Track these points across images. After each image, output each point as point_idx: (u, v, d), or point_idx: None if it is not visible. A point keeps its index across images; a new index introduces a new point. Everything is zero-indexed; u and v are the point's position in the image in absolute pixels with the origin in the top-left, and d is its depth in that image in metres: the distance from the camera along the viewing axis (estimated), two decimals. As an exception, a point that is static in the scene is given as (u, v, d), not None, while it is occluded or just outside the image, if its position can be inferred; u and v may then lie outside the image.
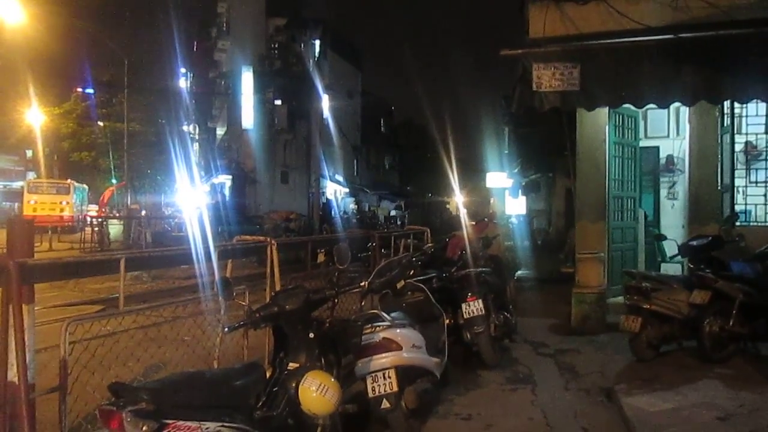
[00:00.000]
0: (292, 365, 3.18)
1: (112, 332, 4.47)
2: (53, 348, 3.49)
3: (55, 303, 9.18)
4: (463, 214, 9.43)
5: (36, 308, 3.31)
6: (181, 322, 4.84)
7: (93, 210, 33.99)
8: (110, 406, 2.35)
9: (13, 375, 3.09)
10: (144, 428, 2.35)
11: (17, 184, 53.86)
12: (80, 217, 29.63)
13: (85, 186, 35.33)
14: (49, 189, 30.94)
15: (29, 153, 50.89)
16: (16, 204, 46.22)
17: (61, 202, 30.23)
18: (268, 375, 3.17)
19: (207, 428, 2.55)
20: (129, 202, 30.97)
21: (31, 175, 53.29)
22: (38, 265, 3.27)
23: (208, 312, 4.65)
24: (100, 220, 23.92)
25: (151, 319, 5.80)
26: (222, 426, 2.62)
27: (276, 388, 3.06)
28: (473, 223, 8.90)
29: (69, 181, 32.67)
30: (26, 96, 35.63)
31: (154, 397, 2.40)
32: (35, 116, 38.02)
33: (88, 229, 21.71)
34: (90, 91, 38.72)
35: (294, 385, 3.00)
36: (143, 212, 28.32)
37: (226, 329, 3.35)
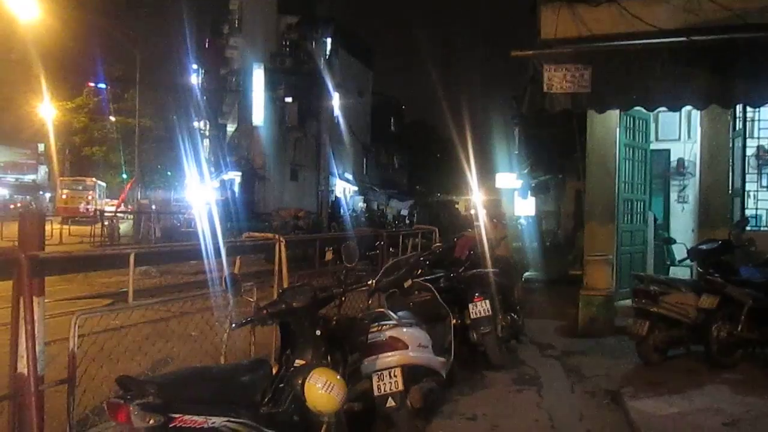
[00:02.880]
0: (298, 362, 3.19)
1: (120, 326, 4.51)
2: (62, 340, 3.53)
3: (65, 296, 9.24)
4: (482, 214, 9.32)
5: (46, 301, 3.34)
6: (188, 317, 4.87)
7: (109, 204, 35.21)
8: (118, 399, 2.37)
9: (22, 366, 3.13)
10: (151, 421, 2.37)
11: (29, 177, 54.37)
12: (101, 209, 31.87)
13: (104, 183, 38.74)
14: (78, 185, 36.52)
15: (41, 147, 51.23)
16: (28, 197, 47.22)
17: (87, 197, 35.62)
18: (274, 371, 3.18)
19: (213, 423, 2.56)
20: (139, 198, 31.20)
21: (42, 169, 53.91)
22: (49, 259, 3.30)
23: (216, 308, 4.67)
24: (111, 214, 24.22)
25: (159, 314, 5.83)
26: (228, 421, 2.63)
27: (282, 385, 3.08)
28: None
29: (93, 179, 37.62)
30: (39, 90, 35.98)
31: (161, 391, 2.42)
32: (48, 110, 38.39)
33: (99, 224, 21.84)
34: (102, 86, 38.98)
35: (300, 381, 3.02)
36: (153, 207, 28.52)
37: (234, 325, 3.37)
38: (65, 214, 27.32)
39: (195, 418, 2.50)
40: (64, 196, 35.00)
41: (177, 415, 2.44)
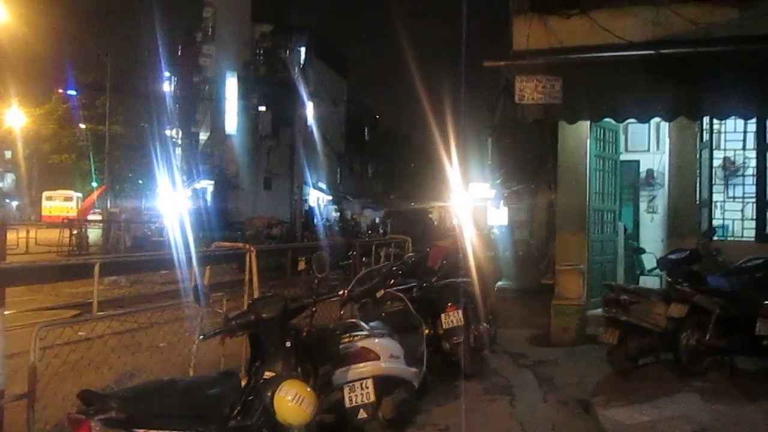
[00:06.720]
0: (268, 374, 3.14)
1: (85, 338, 4.39)
2: (25, 353, 3.42)
3: (30, 307, 9.01)
4: (469, 224, 9.13)
5: (10, 312, 3.25)
6: (156, 328, 4.77)
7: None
8: (79, 414, 2.31)
9: (-20, 381, 3.02)
10: (113, 437, 2.31)
11: (-4, 185, 53.39)
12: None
13: (80, 194, 41.72)
14: (59, 198, 42.35)
15: (8, 154, 50.31)
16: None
17: (67, 207, 40.63)
18: (243, 384, 3.12)
19: (178, 437, 2.50)
20: (109, 206, 30.70)
21: (9, 177, 53.07)
22: (8, 269, 3.21)
23: (185, 319, 4.59)
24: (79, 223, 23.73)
25: (126, 325, 5.70)
26: (194, 435, 2.58)
27: (251, 397, 3.02)
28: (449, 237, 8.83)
29: (72, 192, 42.39)
30: (6, 96, 35.30)
31: (124, 406, 2.36)
32: (15, 117, 37.67)
33: (67, 232, 21.37)
34: (72, 92, 38.38)
35: (269, 394, 2.97)
36: (123, 216, 28.09)
37: (202, 336, 3.30)
38: (50, 221, 31.54)
39: (159, 432, 2.44)
40: (48, 206, 41.31)
41: (140, 430, 2.38)
